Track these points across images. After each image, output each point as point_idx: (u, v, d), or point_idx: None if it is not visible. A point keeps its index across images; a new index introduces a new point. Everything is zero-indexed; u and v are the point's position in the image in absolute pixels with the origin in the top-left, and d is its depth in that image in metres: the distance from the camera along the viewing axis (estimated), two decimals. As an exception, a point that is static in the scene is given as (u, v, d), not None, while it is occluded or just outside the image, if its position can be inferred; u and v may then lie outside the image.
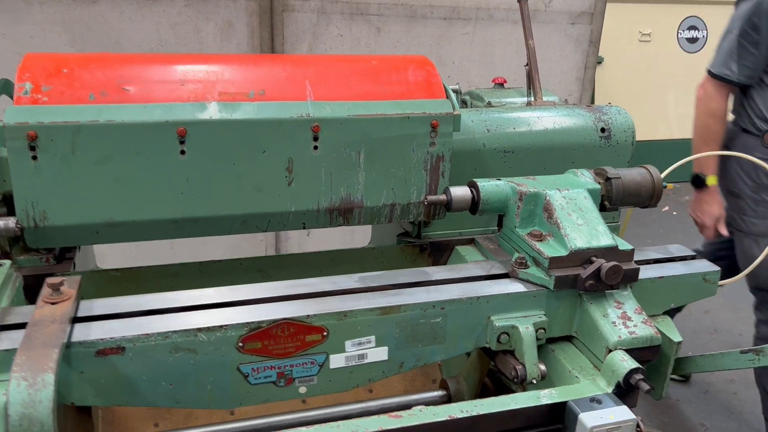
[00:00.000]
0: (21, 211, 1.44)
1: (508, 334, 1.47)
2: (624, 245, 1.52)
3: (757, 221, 2.87)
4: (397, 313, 1.41)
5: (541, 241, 1.53)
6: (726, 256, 3.05)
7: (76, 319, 1.27)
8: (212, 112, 1.50)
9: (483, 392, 1.82)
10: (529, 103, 2.21)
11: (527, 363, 1.43)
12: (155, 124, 1.45)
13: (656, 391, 1.61)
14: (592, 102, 4.43)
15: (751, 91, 2.83)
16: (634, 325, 1.43)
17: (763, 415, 3.10)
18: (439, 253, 1.91)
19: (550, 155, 1.93)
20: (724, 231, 2.95)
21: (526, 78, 2.26)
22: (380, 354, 1.42)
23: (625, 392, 1.36)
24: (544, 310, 1.49)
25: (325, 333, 1.36)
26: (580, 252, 1.47)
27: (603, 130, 1.97)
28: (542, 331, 1.48)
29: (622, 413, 1.28)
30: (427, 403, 1.69)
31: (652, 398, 1.58)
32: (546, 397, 1.33)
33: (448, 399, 1.83)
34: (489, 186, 1.58)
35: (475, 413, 1.26)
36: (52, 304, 1.24)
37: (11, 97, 1.55)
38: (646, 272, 1.59)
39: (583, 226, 1.51)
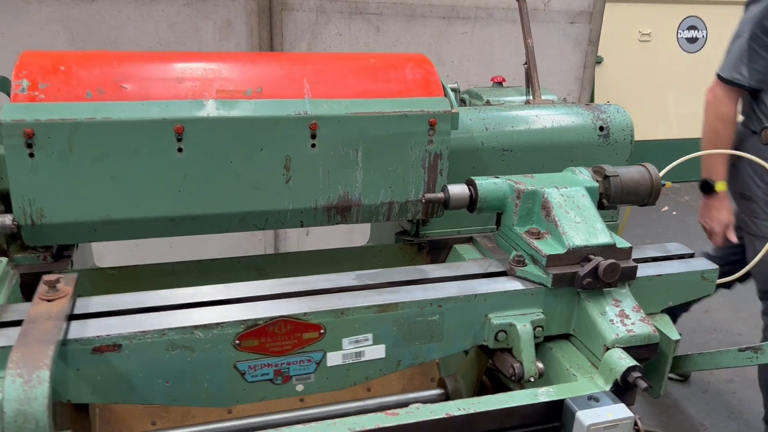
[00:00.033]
0: (18, 208, 1.43)
1: (505, 332, 1.46)
2: (622, 243, 1.52)
3: None
4: (394, 310, 1.40)
5: (538, 239, 1.53)
6: (739, 261, 3.01)
7: (72, 317, 1.26)
8: (209, 109, 1.50)
9: (481, 391, 1.82)
10: (527, 102, 2.21)
11: (525, 361, 1.43)
12: (152, 122, 1.45)
13: (654, 389, 1.60)
14: (592, 101, 4.42)
15: (761, 95, 2.77)
16: (632, 323, 1.43)
17: (765, 421, 3.08)
18: (438, 251, 1.91)
19: (549, 154, 1.93)
20: (733, 238, 2.89)
21: (525, 77, 2.26)
22: (377, 352, 1.42)
23: (622, 390, 1.35)
24: (542, 308, 1.49)
25: (322, 331, 1.36)
26: (578, 250, 1.47)
27: (601, 128, 1.97)
28: (540, 329, 1.47)
29: (620, 411, 1.28)
30: (425, 401, 1.69)
31: (651, 396, 1.58)
32: (543, 395, 1.33)
33: (446, 397, 1.83)
34: (487, 184, 1.58)
35: (472, 411, 1.26)
36: (49, 301, 1.24)
37: (8, 94, 1.54)
38: (644, 270, 1.59)
39: (580, 224, 1.51)
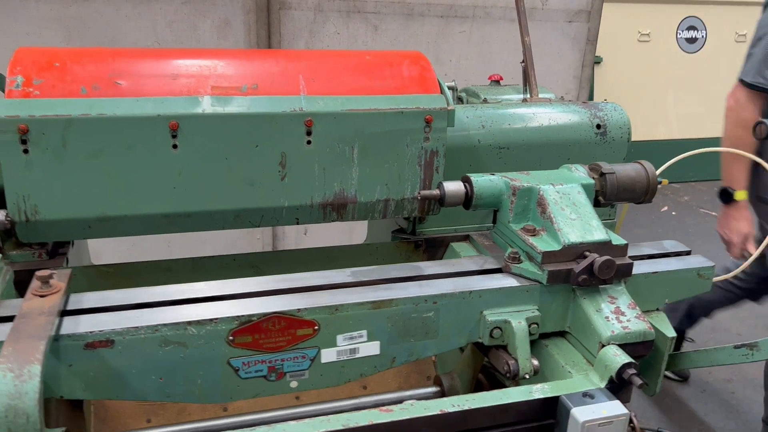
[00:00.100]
0: (12, 204, 1.43)
1: (500, 329, 1.46)
2: (618, 240, 1.52)
3: None
4: (388, 307, 1.40)
5: (534, 235, 1.53)
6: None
7: (65, 312, 1.26)
8: (205, 106, 1.49)
9: (477, 388, 1.81)
10: (524, 100, 2.21)
11: (520, 358, 1.43)
12: (147, 118, 1.45)
13: (650, 386, 1.60)
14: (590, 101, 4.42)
15: None
16: (628, 320, 1.42)
17: (764, 421, 3.07)
18: (434, 249, 1.90)
19: (546, 152, 1.92)
20: (752, 249, 2.74)
21: (522, 75, 2.26)
22: (372, 348, 1.41)
23: (618, 387, 1.35)
24: (537, 305, 1.48)
25: (316, 327, 1.36)
26: (574, 246, 1.47)
27: (598, 126, 1.96)
28: (535, 325, 1.47)
29: (615, 408, 1.27)
30: (421, 399, 1.68)
31: (647, 394, 1.57)
32: (538, 391, 1.32)
33: (441, 395, 1.82)
34: (482, 181, 1.58)
35: (466, 408, 1.26)
36: (41, 296, 1.24)
37: (3, 91, 1.54)
38: (640, 267, 1.59)
39: (576, 221, 1.50)
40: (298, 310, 1.34)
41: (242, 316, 1.31)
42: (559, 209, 1.52)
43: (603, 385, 1.34)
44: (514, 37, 3.66)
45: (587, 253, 1.46)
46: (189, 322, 1.27)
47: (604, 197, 1.63)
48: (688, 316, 3.43)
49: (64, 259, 1.61)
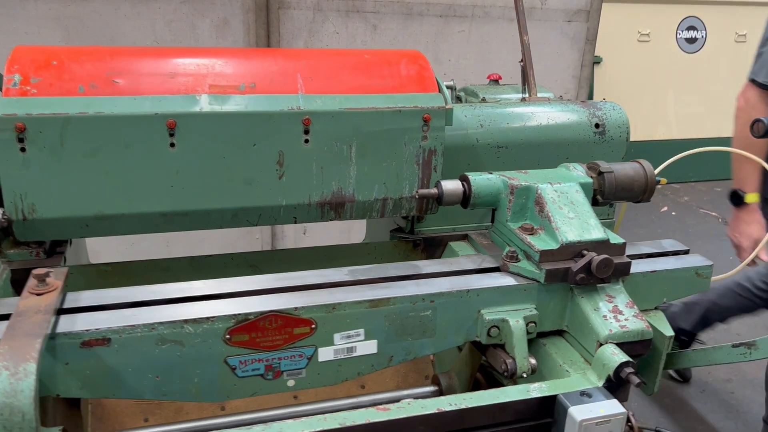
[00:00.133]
0: (9, 203, 1.43)
1: (498, 328, 1.46)
2: (616, 239, 1.51)
3: None
4: (386, 305, 1.40)
5: (532, 234, 1.53)
6: None
7: (61, 311, 1.26)
8: (202, 104, 1.49)
9: (475, 387, 1.81)
10: (523, 99, 2.21)
11: (517, 357, 1.42)
12: (145, 117, 1.45)
13: (648, 385, 1.60)
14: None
15: None
16: (626, 319, 1.42)
17: (764, 420, 3.07)
18: (433, 248, 1.90)
19: (544, 151, 1.92)
20: (763, 255, 2.61)
21: (521, 74, 2.26)
22: (369, 347, 1.41)
23: (615, 386, 1.34)
24: (535, 304, 1.48)
25: (313, 326, 1.36)
26: (571, 245, 1.47)
27: (597, 125, 1.96)
28: (533, 324, 1.47)
29: (612, 407, 1.27)
30: (418, 398, 1.68)
31: (645, 393, 1.57)
32: (536, 390, 1.32)
33: (439, 394, 1.82)
34: (480, 180, 1.57)
35: (463, 406, 1.26)
36: (38, 294, 1.23)
37: (0, 89, 1.54)
38: (638, 266, 1.58)
39: (574, 220, 1.50)
40: (295, 308, 1.34)
41: (239, 314, 1.31)
42: (557, 208, 1.51)
43: (601, 384, 1.34)
44: (513, 36, 3.66)
45: (585, 252, 1.46)
46: (186, 321, 1.27)
47: (603, 196, 1.63)
48: (703, 319, 3.39)
49: (61, 257, 1.61)
